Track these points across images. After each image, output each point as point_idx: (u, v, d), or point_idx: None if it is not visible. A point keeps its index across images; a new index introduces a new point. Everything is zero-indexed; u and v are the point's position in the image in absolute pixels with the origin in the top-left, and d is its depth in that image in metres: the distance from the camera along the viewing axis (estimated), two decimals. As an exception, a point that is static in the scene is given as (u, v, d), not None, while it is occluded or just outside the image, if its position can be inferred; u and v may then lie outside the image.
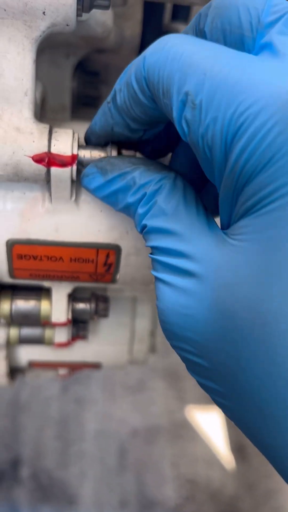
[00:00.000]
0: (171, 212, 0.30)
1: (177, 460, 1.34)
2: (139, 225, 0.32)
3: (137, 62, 0.31)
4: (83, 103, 0.61)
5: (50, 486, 1.27)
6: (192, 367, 0.30)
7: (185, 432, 1.40)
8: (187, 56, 0.28)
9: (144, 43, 0.55)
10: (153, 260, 0.31)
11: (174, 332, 0.29)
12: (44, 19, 0.33)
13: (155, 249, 0.30)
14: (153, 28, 0.54)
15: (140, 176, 0.32)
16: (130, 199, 0.33)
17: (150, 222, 0.31)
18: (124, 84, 0.32)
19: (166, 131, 0.38)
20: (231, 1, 0.29)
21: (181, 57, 0.28)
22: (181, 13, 0.56)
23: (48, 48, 0.52)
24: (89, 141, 0.38)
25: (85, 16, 0.37)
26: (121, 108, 0.33)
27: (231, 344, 0.26)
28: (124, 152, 0.37)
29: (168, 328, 0.30)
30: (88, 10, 0.35)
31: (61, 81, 0.54)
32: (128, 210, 0.33)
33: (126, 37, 0.58)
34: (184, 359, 0.31)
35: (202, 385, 0.30)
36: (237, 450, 1.35)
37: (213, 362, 0.28)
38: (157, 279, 0.30)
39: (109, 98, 0.34)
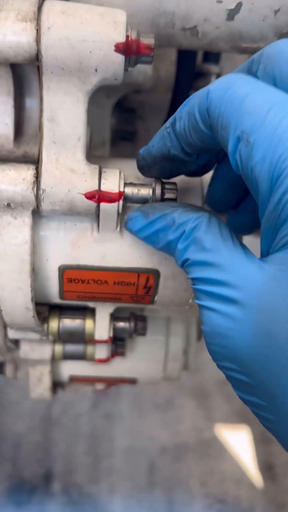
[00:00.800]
0: (210, 246, 0.34)
1: (206, 478, 1.35)
2: (179, 259, 0.36)
3: (200, 94, 0.35)
4: (121, 138, 0.66)
5: (80, 501, 1.30)
6: (237, 385, 0.34)
7: (213, 450, 1.41)
8: (247, 97, 0.32)
9: (178, 83, 0.59)
10: (196, 290, 0.35)
11: (219, 353, 0.33)
12: (96, 75, 0.39)
13: (197, 280, 0.34)
14: (186, 69, 0.59)
15: (179, 216, 0.37)
16: (171, 236, 0.37)
17: (191, 256, 0.35)
18: (185, 113, 0.36)
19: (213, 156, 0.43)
20: (281, 52, 0.34)
21: (242, 97, 0.32)
22: (213, 56, 0.61)
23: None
24: (143, 161, 0.42)
25: (130, 68, 0.42)
26: (179, 134, 0.37)
27: (273, 362, 0.30)
28: (167, 185, 0.42)
29: (214, 349, 0.33)
30: (134, 65, 0.40)
31: (102, 119, 0.60)
32: (168, 247, 0.38)
33: (161, 77, 0.63)
34: (229, 378, 0.34)
35: (245, 401, 0.34)
36: (266, 469, 1.36)
37: (256, 379, 0.31)
38: (201, 306, 0.34)
39: (168, 124, 0.39)
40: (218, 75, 0.62)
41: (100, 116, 0.60)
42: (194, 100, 0.36)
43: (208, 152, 0.40)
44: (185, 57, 0.58)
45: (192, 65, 0.59)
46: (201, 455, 1.39)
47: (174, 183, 0.43)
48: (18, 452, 1.36)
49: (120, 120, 0.65)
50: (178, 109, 0.38)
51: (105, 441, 1.42)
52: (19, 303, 0.44)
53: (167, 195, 0.41)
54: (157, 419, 1.46)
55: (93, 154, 0.55)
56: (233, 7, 0.42)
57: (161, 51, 0.64)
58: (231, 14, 0.43)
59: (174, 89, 0.60)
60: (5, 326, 0.62)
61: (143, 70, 0.49)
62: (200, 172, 0.44)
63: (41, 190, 0.40)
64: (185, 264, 0.36)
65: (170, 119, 0.38)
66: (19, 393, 1.48)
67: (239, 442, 1.42)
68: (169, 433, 1.44)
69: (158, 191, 0.41)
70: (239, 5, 0.42)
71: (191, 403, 1.51)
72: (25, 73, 0.43)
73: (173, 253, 0.38)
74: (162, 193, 0.41)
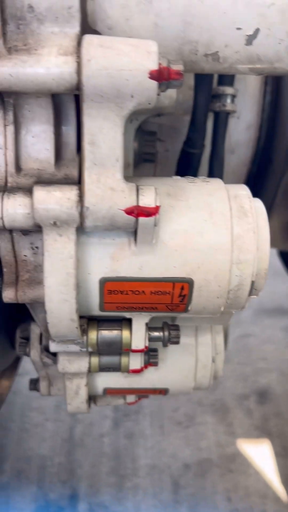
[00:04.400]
0: None
1: (231, 494, 1.35)
2: None
3: None
4: (142, 159, 0.70)
5: (107, 521, 1.30)
6: None
7: (236, 465, 1.42)
8: None
9: (196, 105, 0.63)
10: None
11: None
12: (132, 100, 0.42)
13: None
14: (204, 92, 0.62)
15: None
16: None
17: None
18: None
19: None
20: None
21: None
22: (227, 78, 0.65)
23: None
24: None
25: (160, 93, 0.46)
26: None
27: None
28: None
29: None
30: (165, 90, 0.44)
31: (127, 143, 0.63)
32: None
33: (179, 101, 0.67)
34: None
35: None
36: (288, 482, 1.37)
37: None
38: None
39: None
40: (233, 96, 0.66)
41: (124, 140, 0.63)
42: None
43: None
44: (202, 81, 0.62)
45: (209, 88, 0.63)
46: (224, 471, 1.39)
47: None
48: (43, 474, 1.37)
49: (141, 143, 0.69)
50: None
51: (128, 460, 1.42)
52: (64, 314, 0.47)
53: None
54: (179, 437, 1.47)
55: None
56: (251, 33, 0.46)
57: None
58: (250, 40, 0.47)
59: (193, 112, 0.63)
60: (41, 342, 0.65)
61: (169, 94, 0.53)
62: None
63: (85, 208, 0.43)
64: None
65: None
66: (41, 416, 1.49)
67: (261, 456, 1.43)
68: (192, 450, 1.44)
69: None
70: (256, 31, 0.46)
71: (212, 419, 1.52)
72: (62, 101, 0.47)
73: None
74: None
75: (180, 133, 0.71)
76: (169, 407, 1.53)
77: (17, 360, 0.96)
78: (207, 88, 0.62)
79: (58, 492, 1.34)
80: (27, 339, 0.70)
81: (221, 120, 0.66)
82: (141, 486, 1.36)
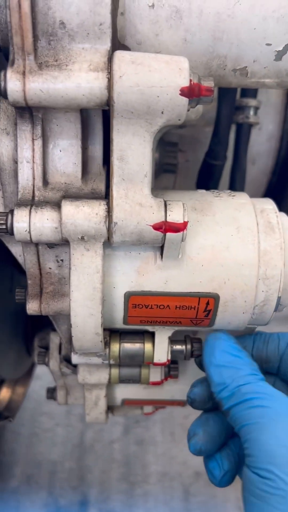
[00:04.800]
0: None
1: (241, 503, 1.34)
2: None
3: None
4: (163, 170, 0.70)
5: (117, 528, 1.30)
6: None
7: (247, 474, 1.40)
8: None
9: (219, 117, 0.63)
10: None
11: None
12: (162, 117, 0.42)
13: None
14: (227, 104, 0.62)
15: None
16: None
17: None
18: None
19: None
20: None
21: None
22: (251, 91, 0.65)
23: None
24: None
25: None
26: None
27: None
28: None
29: None
30: (195, 106, 0.43)
31: (149, 154, 0.63)
32: None
33: (203, 113, 0.67)
34: None
35: None
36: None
37: None
38: None
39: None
40: (256, 108, 0.65)
41: (153, 156, 0.63)
42: None
43: None
44: (226, 93, 0.62)
45: (233, 100, 0.63)
46: (236, 479, 1.38)
47: None
48: (53, 479, 1.37)
49: (163, 153, 0.69)
50: None
51: (139, 467, 1.42)
52: (89, 329, 0.47)
53: None
54: (189, 444, 1.46)
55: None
56: (281, 48, 0.46)
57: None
58: (279, 55, 0.46)
59: (215, 123, 0.63)
60: (60, 352, 0.65)
61: (196, 109, 0.52)
62: None
63: (113, 224, 0.43)
64: None
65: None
66: (52, 421, 1.49)
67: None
68: (203, 458, 1.43)
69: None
70: (286, 47, 0.46)
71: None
72: (89, 116, 0.47)
73: None
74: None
75: (201, 143, 0.71)
76: (180, 414, 1.52)
77: (32, 368, 0.96)
78: (231, 100, 0.62)
79: (68, 498, 1.34)
80: (45, 348, 0.70)
81: (244, 132, 0.66)
82: (151, 493, 1.36)
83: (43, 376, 1.20)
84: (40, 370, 1.02)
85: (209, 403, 0.53)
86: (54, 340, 0.67)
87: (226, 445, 0.53)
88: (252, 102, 0.65)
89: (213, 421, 0.53)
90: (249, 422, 0.44)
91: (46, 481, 1.36)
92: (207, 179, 0.67)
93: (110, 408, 0.71)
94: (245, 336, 0.54)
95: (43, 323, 0.76)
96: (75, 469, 1.40)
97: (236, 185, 0.67)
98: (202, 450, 0.52)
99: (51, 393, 0.74)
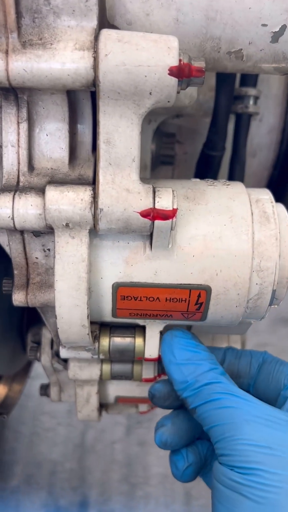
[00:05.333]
0: None
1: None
2: None
3: None
4: (160, 161, 0.68)
5: (117, 530, 1.28)
6: None
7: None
8: None
9: (217, 107, 0.61)
10: None
11: None
12: (150, 98, 0.40)
13: None
14: (225, 93, 0.60)
15: None
16: None
17: None
18: None
19: None
20: None
21: None
22: (250, 80, 0.63)
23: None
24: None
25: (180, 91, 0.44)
26: None
27: None
28: None
29: None
30: (186, 88, 0.42)
31: (144, 144, 0.61)
32: None
33: (200, 102, 0.65)
34: None
35: None
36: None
37: None
38: None
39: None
40: (256, 98, 0.63)
41: (142, 142, 0.61)
42: None
43: None
44: (224, 82, 0.59)
45: (231, 89, 0.60)
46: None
47: None
48: (54, 479, 1.35)
49: (160, 145, 0.67)
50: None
51: (140, 468, 1.40)
52: (75, 320, 0.45)
53: None
54: (192, 446, 1.44)
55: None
56: (277, 29, 0.44)
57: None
58: (276, 37, 0.44)
59: (213, 112, 0.61)
60: (52, 347, 0.63)
61: (189, 93, 0.50)
62: None
63: (99, 210, 0.41)
64: None
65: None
66: (53, 420, 1.48)
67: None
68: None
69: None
70: (283, 28, 0.44)
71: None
72: (78, 99, 0.45)
73: None
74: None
75: (199, 135, 0.69)
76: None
77: (29, 364, 0.95)
78: (229, 88, 0.60)
79: (68, 499, 1.33)
80: (38, 343, 0.68)
81: (243, 122, 0.64)
82: (152, 495, 1.34)
83: (45, 375, 1.19)
84: (42, 368, 1.01)
85: (168, 400, 0.53)
86: (46, 334, 0.65)
87: (193, 444, 0.53)
88: (251, 91, 0.62)
89: (183, 416, 0.53)
90: (220, 422, 0.44)
91: (46, 481, 1.35)
92: (205, 171, 0.65)
93: (104, 406, 0.69)
94: (215, 348, 0.55)
95: (39, 318, 0.74)
96: (75, 469, 1.38)
97: (235, 177, 0.65)
98: (168, 443, 0.52)
99: (45, 389, 0.72)
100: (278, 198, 0.51)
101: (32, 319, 0.77)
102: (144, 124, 0.61)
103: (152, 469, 1.38)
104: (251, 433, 0.43)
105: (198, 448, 0.53)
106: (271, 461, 0.42)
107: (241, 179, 0.65)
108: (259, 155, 0.72)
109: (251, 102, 0.63)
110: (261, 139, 0.71)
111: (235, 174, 0.65)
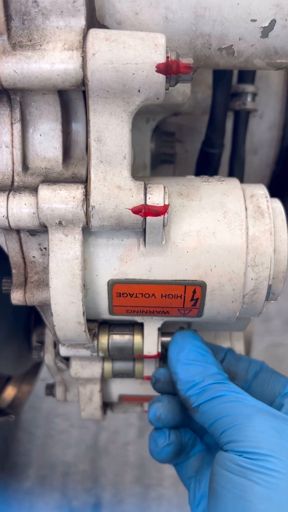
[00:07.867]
0: None
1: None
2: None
3: None
4: (161, 160, 0.68)
5: (130, 532, 1.28)
6: None
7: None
8: None
9: (215, 104, 0.61)
10: None
11: None
12: (139, 95, 0.41)
13: None
14: (222, 90, 0.60)
15: None
16: None
17: None
18: None
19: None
20: None
21: None
22: (248, 76, 0.63)
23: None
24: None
25: (170, 88, 0.44)
26: None
27: None
28: None
29: None
30: (174, 85, 0.42)
31: (143, 143, 0.62)
32: None
33: (198, 100, 0.65)
34: None
35: None
36: None
37: None
38: None
39: None
40: (254, 94, 0.63)
41: (140, 141, 0.62)
42: None
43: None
44: (221, 79, 0.59)
45: (228, 86, 0.60)
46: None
47: None
48: (67, 481, 1.36)
49: (160, 144, 0.67)
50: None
51: (153, 470, 1.39)
52: (71, 317, 0.46)
53: None
54: (205, 447, 1.44)
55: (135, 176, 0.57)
56: (267, 24, 0.44)
57: (197, 75, 0.66)
58: (266, 32, 0.44)
59: (211, 110, 0.61)
60: (55, 347, 0.64)
61: (182, 90, 0.51)
62: None
63: (91, 207, 0.42)
64: None
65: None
66: (66, 422, 1.48)
67: None
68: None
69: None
70: (272, 22, 0.44)
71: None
72: (70, 99, 0.46)
73: None
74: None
75: (200, 133, 0.69)
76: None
77: (38, 365, 0.96)
78: (226, 85, 0.60)
79: (82, 500, 1.33)
80: (42, 343, 0.69)
81: (241, 119, 0.63)
82: (165, 497, 1.34)
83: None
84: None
85: (171, 386, 0.52)
86: (49, 334, 0.66)
87: (177, 429, 0.54)
88: (249, 88, 0.62)
89: (179, 401, 0.52)
90: (230, 413, 0.44)
91: (59, 482, 1.35)
92: (205, 169, 0.65)
93: (109, 405, 0.70)
94: (218, 346, 0.55)
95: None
96: (89, 471, 1.39)
97: (235, 174, 0.65)
98: (161, 419, 0.52)
99: (50, 389, 0.73)
100: (282, 194, 0.51)
101: (39, 320, 0.77)
102: (142, 123, 0.62)
103: (165, 471, 1.38)
104: (262, 422, 0.43)
105: (181, 433, 0.53)
106: (281, 448, 0.42)
107: (240, 176, 0.65)
108: (261, 152, 0.72)
109: (249, 99, 0.63)
110: (262, 136, 0.71)
111: (235, 171, 0.65)
